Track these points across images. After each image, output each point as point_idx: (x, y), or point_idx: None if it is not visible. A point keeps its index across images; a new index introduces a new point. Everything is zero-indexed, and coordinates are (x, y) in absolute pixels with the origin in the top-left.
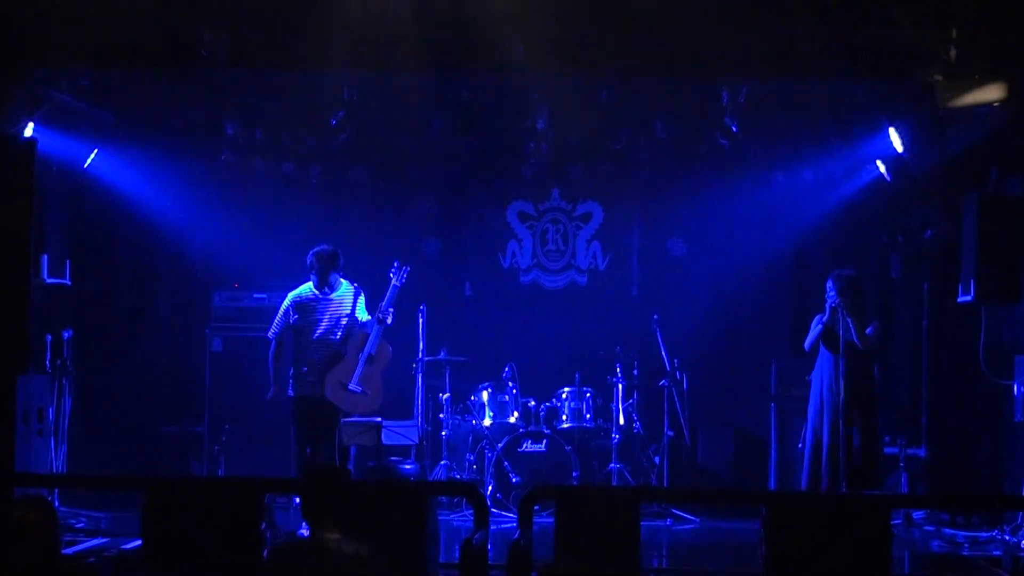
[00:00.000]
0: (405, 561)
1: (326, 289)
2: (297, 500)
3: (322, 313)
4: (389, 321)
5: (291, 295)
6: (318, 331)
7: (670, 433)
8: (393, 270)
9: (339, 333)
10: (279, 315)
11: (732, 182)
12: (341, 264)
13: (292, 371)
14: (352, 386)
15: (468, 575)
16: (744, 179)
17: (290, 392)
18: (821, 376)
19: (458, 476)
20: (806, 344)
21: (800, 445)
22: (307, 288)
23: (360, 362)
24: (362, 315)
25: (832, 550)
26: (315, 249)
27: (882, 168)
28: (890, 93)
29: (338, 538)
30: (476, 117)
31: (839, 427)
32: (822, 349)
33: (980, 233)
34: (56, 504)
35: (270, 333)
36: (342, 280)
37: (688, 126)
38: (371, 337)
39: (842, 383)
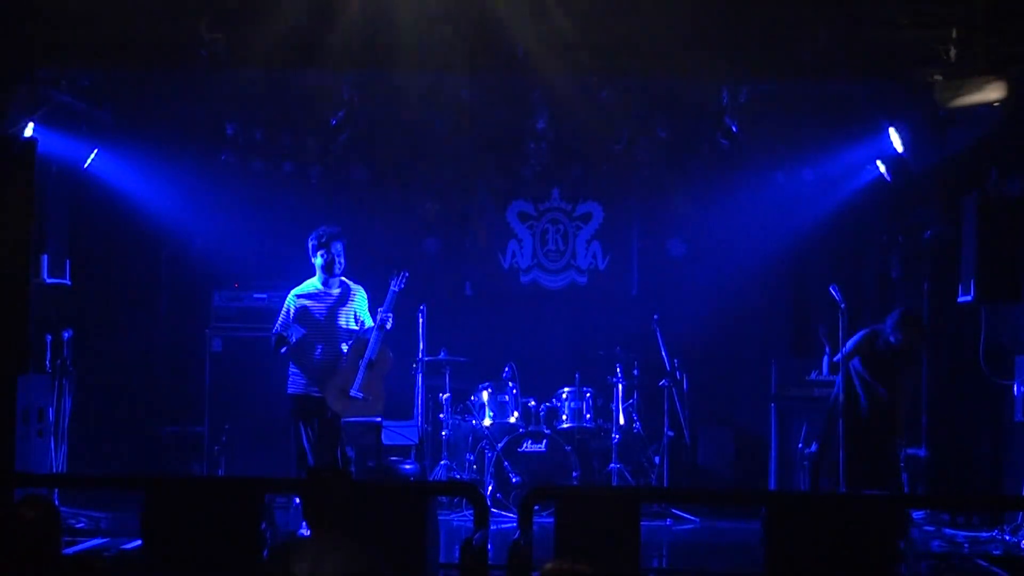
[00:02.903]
0: (405, 561)
1: (330, 281)
2: (297, 501)
3: (325, 309)
4: (389, 326)
5: (293, 291)
6: (320, 328)
7: (670, 433)
8: (393, 277)
9: (342, 330)
10: (282, 312)
11: (732, 182)
12: (347, 242)
13: (293, 367)
14: (353, 392)
15: (468, 575)
16: (744, 179)
17: (288, 390)
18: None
19: (458, 476)
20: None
21: (800, 444)
22: (310, 284)
23: (361, 368)
24: (367, 318)
25: (832, 550)
26: (321, 227)
27: (882, 168)
28: (890, 93)
29: (338, 538)
30: (476, 117)
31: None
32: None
33: (980, 233)
34: (56, 504)
35: (273, 331)
36: (345, 279)
37: (688, 126)
38: (371, 343)
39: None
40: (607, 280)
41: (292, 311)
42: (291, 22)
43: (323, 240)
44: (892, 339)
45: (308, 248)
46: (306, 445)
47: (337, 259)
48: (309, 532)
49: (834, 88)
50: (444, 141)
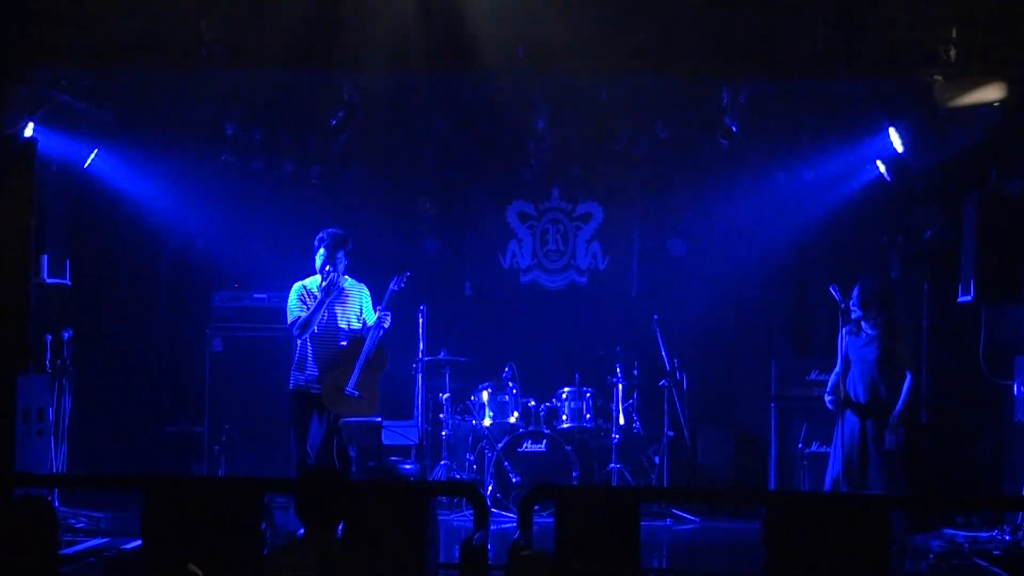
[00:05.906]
0: (405, 561)
1: (334, 276)
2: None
3: (327, 306)
4: (387, 325)
5: (300, 283)
6: (320, 324)
7: (670, 433)
8: (395, 276)
9: (342, 330)
10: (291, 301)
11: (732, 182)
12: (351, 248)
13: (293, 365)
14: (348, 390)
15: (468, 575)
16: (744, 179)
17: (289, 387)
18: (855, 385)
19: (458, 476)
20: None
21: (800, 444)
22: (313, 280)
23: (357, 367)
24: (369, 316)
25: (832, 550)
26: (326, 231)
27: (882, 168)
28: (890, 93)
29: (338, 538)
30: (476, 117)
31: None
32: (853, 361)
33: (980, 233)
34: (56, 504)
35: (289, 323)
36: (349, 277)
37: (688, 126)
38: (368, 341)
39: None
40: (607, 280)
41: (300, 299)
42: (291, 22)
43: (326, 243)
44: (854, 316)
45: (313, 246)
46: (307, 445)
47: (337, 265)
48: (305, 532)
49: (834, 88)
50: (444, 141)
